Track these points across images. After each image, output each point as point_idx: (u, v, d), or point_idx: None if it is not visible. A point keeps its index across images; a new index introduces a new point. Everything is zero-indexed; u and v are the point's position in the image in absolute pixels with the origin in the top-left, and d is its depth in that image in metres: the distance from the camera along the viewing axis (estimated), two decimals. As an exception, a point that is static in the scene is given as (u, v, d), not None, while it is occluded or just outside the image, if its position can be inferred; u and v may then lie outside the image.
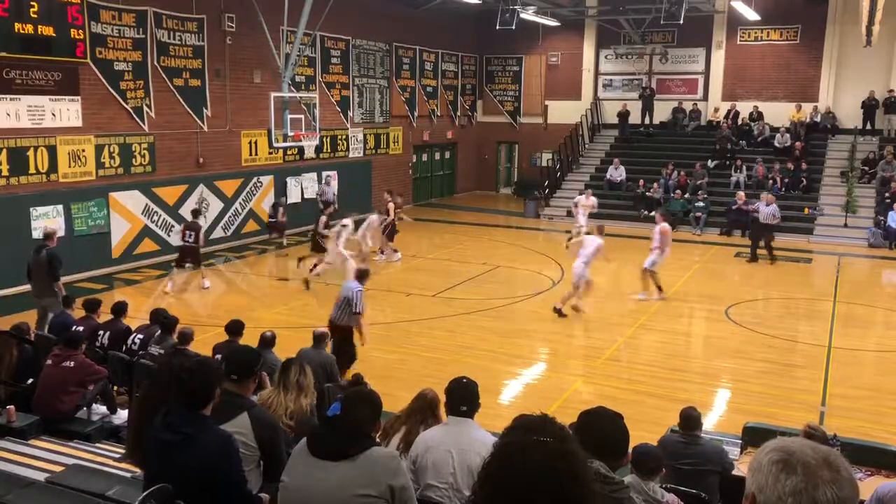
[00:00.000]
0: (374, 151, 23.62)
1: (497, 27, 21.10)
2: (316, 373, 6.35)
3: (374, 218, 16.35)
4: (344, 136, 22.22)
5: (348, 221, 14.69)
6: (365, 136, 23.16)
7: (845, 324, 12.60)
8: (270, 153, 19.38)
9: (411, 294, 14.10)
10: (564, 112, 26.88)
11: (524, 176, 28.01)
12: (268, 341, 7.85)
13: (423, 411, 5.05)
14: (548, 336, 11.88)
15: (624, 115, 25.76)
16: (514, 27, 21.10)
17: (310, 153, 20.56)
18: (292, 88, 18.63)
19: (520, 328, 12.27)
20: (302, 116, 17.87)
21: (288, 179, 20.08)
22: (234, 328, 8.11)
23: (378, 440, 3.91)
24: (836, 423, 8.02)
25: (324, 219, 15.37)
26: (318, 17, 17.94)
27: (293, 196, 20.19)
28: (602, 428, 3.10)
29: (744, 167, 22.80)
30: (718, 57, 25.30)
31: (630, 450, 3.40)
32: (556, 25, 25.62)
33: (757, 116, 24.38)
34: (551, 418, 1.89)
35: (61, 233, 14.26)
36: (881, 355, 11.29)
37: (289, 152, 19.92)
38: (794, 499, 1.55)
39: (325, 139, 20.89)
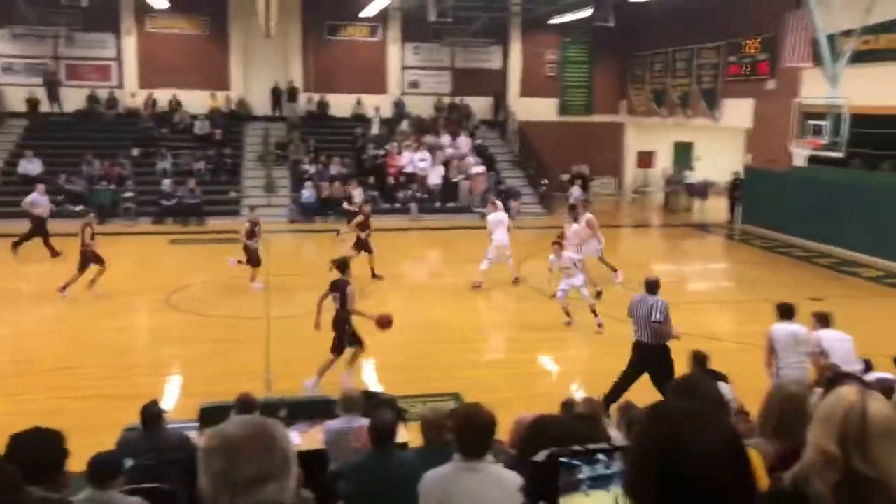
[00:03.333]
0: None
1: None
2: None
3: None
4: None
5: None
6: None
7: (280, 294, 13.72)
8: None
9: None
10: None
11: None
12: None
13: None
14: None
15: (32, 102, 23.41)
16: None
17: None
18: None
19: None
20: None
21: None
22: None
23: None
24: (283, 386, 8.74)
25: None
26: None
27: None
28: (29, 450, 2.91)
29: (169, 155, 22.89)
30: (130, 44, 24.74)
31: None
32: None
33: (177, 105, 24.64)
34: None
35: None
36: (311, 318, 12.57)
37: None
38: (214, 484, 1.54)
39: None
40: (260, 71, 25.33)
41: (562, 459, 1.76)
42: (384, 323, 9.12)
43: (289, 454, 1.62)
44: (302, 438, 6.27)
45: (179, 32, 25.04)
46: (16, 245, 15.82)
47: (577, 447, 1.73)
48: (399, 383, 9.09)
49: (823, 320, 8.02)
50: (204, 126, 24.04)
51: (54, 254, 15.77)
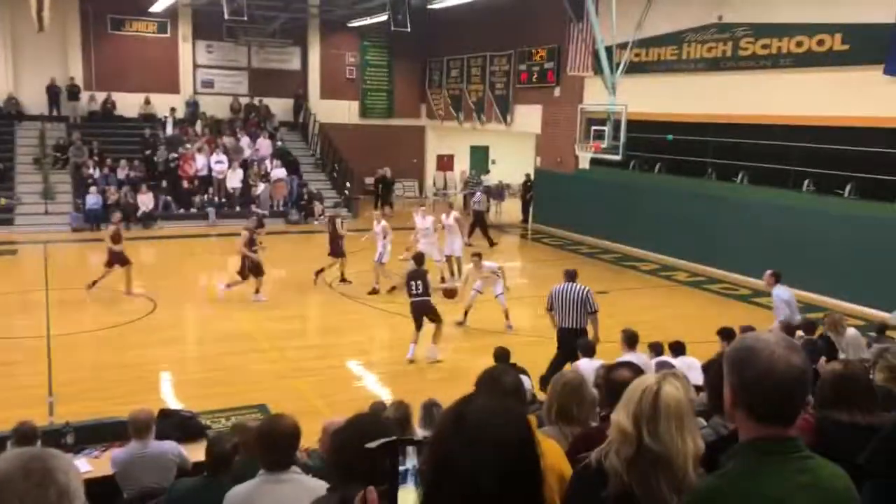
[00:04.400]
0: None
1: None
2: None
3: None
4: None
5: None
6: None
7: (62, 310, 12.58)
8: None
9: None
10: None
11: None
12: None
13: None
14: None
15: None
16: None
17: None
18: None
19: None
20: None
21: None
22: None
23: None
24: (67, 409, 7.98)
25: None
26: None
27: None
28: None
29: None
30: None
31: None
32: None
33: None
34: None
35: None
36: (98, 334, 11.68)
37: None
38: None
39: None
40: (33, 66, 23.08)
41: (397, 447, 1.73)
42: (451, 294, 11.75)
43: (67, 487, 1.46)
44: (92, 465, 5.78)
45: (-69, 20, 22.28)
46: None
47: (414, 437, 1.71)
48: (201, 398, 8.65)
49: (586, 349, 8.26)
50: (-34, 126, 21.59)
51: None
